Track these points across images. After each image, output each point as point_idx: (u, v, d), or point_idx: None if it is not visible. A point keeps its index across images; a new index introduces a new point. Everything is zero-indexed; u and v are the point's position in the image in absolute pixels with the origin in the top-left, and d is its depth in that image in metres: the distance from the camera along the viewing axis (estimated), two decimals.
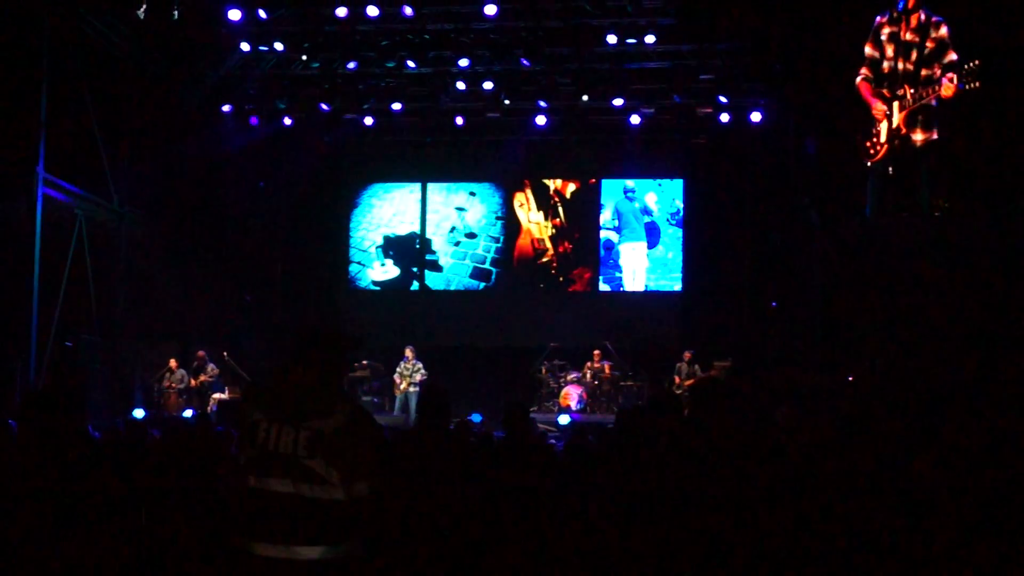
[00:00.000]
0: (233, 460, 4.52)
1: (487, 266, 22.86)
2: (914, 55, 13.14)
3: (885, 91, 13.36)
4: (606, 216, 22.63)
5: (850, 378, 14.92)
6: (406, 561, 5.07)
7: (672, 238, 22.20)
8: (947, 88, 12.42)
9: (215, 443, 7.26)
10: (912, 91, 12.96)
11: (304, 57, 19.19)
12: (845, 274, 15.39)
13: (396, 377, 19.15)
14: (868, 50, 13.65)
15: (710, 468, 5.03)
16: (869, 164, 13.85)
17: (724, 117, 19.64)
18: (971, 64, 12.21)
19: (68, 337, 16.61)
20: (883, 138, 13.35)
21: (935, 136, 13.01)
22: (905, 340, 13.10)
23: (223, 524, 4.79)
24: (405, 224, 23.26)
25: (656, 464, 5.35)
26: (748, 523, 4.92)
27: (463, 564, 5.25)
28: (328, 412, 4.40)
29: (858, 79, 13.81)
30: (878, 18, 13.38)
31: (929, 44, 12.88)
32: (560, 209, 22.81)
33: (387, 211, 23.34)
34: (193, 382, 18.86)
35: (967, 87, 12.28)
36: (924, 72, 12.93)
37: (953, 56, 12.66)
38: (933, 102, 12.77)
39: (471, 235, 23.00)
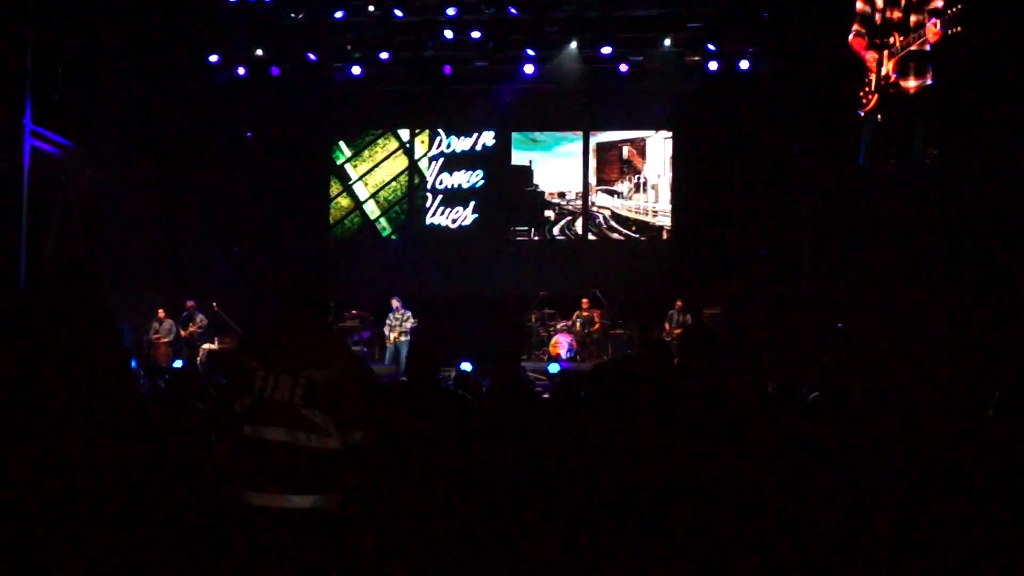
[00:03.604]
0: (225, 409, 4.51)
1: (474, 214, 22.81)
2: (903, 2, 13.16)
3: (876, 40, 13.39)
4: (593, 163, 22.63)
5: (839, 325, 15.01)
6: (401, 509, 5.10)
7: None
8: (931, 32, 12.47)
9: (205, 392, 7.27)
10: (901, 39, 12.98)
11: (291, 6, 19.02)
12: (835, 221, 15.44)
13: (386, 329, 19.13)
14: (859, 5, 13.66)
15: (699, 415, 5.05)
16: (862, 113, 13.87)
17: (713, 65, 19.53)
18: (954, 9, 12.24)
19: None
20: (874, 87, 13.36)
21: (928, 82, 13.03)
22: (895, 286, 13.18)
23: (218, 473, 4.79)
24: (392, 173, 23.18)
25: (641, 413, 5.37)
26: (737, 470, 4.95)
27: (456, 513, 5.28)
28: (325, 361, 4.42)
29: (851, 36, 13.82)
30: None
31: None
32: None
33: (375, 160, 23.27)
34: (183, 332, 18.87)
35: (949, 31, 12.32)
36: (913, 18, 12.96)
37: (938, 2, 12.67)
38: (920, 48, 12.80)
39: (458, 184, 22.95)
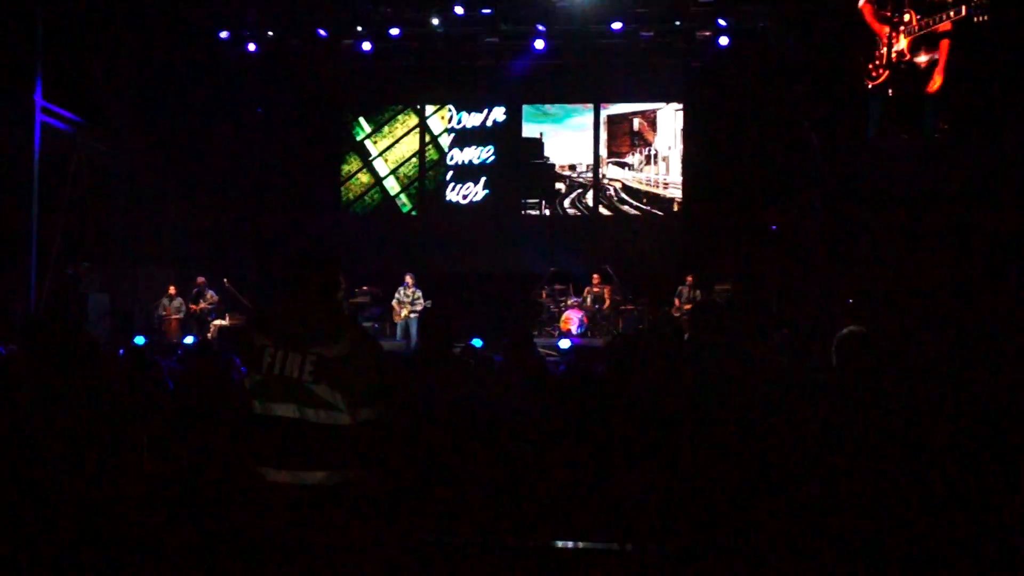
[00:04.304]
0: (238, 386, 4.54)
1: (485, 190, 22.80)
2: None
3: (888, 13, 13.26)
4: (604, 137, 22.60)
5: (849, 301, 14.98)
6: (411, 485, 5.12)
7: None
8: (956, 18, 12.32)
9: (219, 369, 7.28)
10: (918, 17, 12.86)
11: None
12: (845, 196, 15.38)
13: (395, 303, 19.09)
14: None
15: (708, 393, 5.06)
16: (870, 86, 13.79)
17: (723, 40, 19.48)
18: None
19: (68, 264, 16.63)
20: (885, 61, 13.27)
21: (937, 56, 12.95)
22: (906, 262, 13.14)
23: (232, 449, 4.83)
24: (403, 149, 23.17)
25: (653, 389, 5.38)
26: (745, 449, 4.96)
27: (466, 487, 5.30)
28: (334, 337, 4.42)
29: (860, 1, 13.71)
30: None
31: None
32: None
33: (386, 136, 23.26)
34: (193, 308, 18.90)
35: (976, 19, 12.19)
36: None
37: None
38: (940, 30, 12.67)
39: (469, 160, 22.92)
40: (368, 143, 23.34)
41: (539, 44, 20.11)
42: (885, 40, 13.42)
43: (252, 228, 21.67)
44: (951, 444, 5.58)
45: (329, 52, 21.01)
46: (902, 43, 13.17)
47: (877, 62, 13.53)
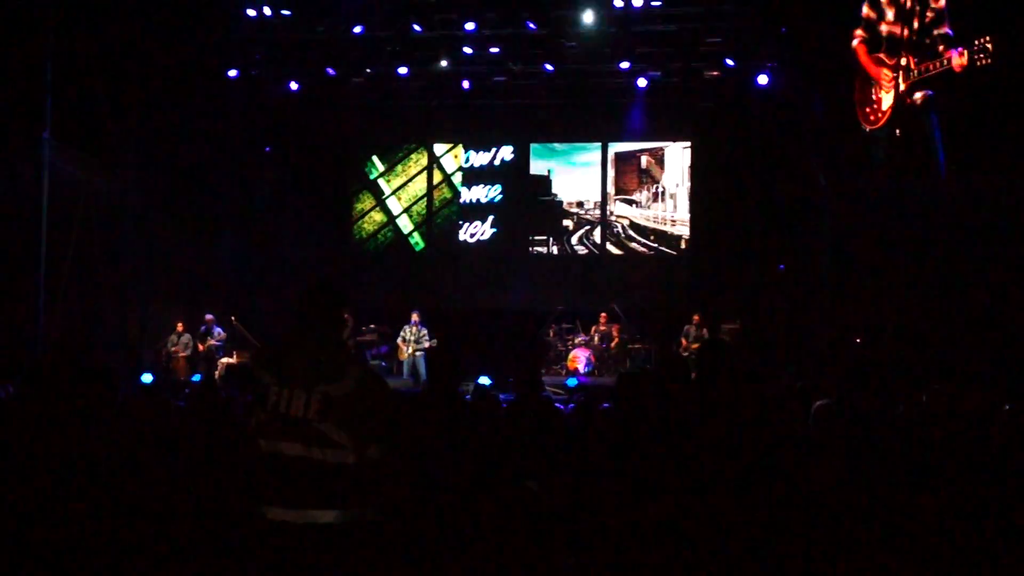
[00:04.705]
0: (242, 424, 4.53)
1: (492, 228, 22.83)
2: (916, 23, 13.07)
3: (883, 55, 13.29)
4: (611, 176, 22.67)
5: (857, 340, 14.96)
6: (420, 524, 5.09)
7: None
8: (956, 62, 12.30)
9: (221, 407, 7.27)
10: (915, 60, 12.87)
11: (310, 21, 19.04)
12: (853, 236, 15.38)
13: (399, 342, 19.11)
14: (865, 10, 13.58)
15: (717, 432, 5.04)
16: (868, 130, 13.82)
17: (731, 80, 19.56)
18: (982, 40, 12.08)
19: (76, 302, 16.63)
20: (885, 105, 13.29)
21: (931, 93, 12.93)
22: (914, 301, 13.12)
23: (237, 488, 4.81)
24: (416, 187, 23.24)
25: (661, 429, 5.37)
26: (756, 489, 4.94)
27: (477, 528, 5.27)
28: (339, 376, 4.39)
29: (854, 42, 13.75)
30: None
31: (929, 13, 12.81)
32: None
33: (399, 175, 23.34)
34: (200, 346, 18.92)
35: (979, 63, 12.17)
36: (926, 41, 12.85)
37: (947, 30, 12.55)
38: (939, 74, 12.66)
39: (476, 198, 22.98)
40: (381, 181, 23.40)
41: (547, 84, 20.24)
42: (883, 84, 13.45)
43: (262, 266, 21.67)
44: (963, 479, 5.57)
45: (338, 91, 21.09)
46: (902, 87, 13.20)
47: (875, 105, 13.56)
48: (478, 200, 22.96)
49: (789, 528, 5.01)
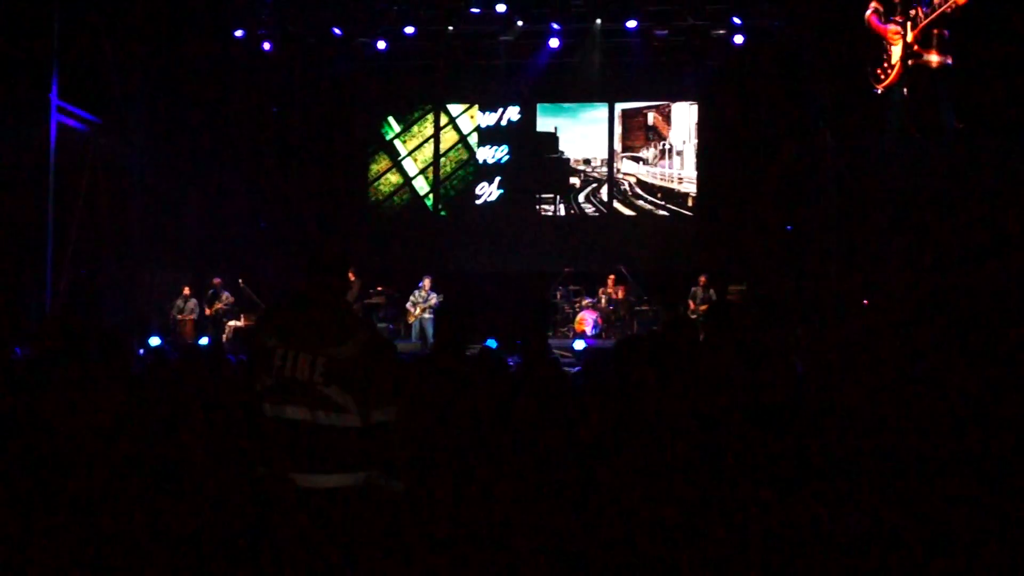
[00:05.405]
0: (247, 387, 4.51)
1: (499, 189, 22.80)
2: None
3: (897, 18, 13.24)
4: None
5: (864, 302, 14.92)
6: (425, 488, 5.08)
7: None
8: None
9: (229, 370, 7.25)
10: (924, 10, 12.83)
11: None
12: (861, 196, 15.32)
13: (408, 305, 19.05)
14: None
15: (725, 393, 5.04)
16: (880, 90, 13.74)
17: (738, 39, 19.45)
18: None
19: (83, 265, 16.65)
20: (894, 59, 13.23)
21: (949, 61, 12.89)
22: (921, 262, 13.08)
23: (243, 452, 4.80)
24: (420, 148, 23.18)
25: (669, 391, 5.36)
26: (762, 449, 4.94)
27: (482, 491, 5.26)
28: (344, 339, 4.38)
29: (868, 12, 13.67)
30: None
31: None
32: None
33: (415, 136, 23.28)
34: (208, 310, 18.92)
35: None
36: None
37: None
38: (947, 11, 12.60)
39: (483, 159, 22.93)
40: (397, 142, 23.33)
41: (554, 43, 20.13)
42: (891, 38, 13.37)
43: (269, 228, 21.62)
44: (965, 450, 5.55)
45: (344, 50, 21.00)
46: (910, 36, 13.12)
47: (885, 63, 13.49)
48: (486, 161, 22.90)
49: (795, 492, 5.00)
